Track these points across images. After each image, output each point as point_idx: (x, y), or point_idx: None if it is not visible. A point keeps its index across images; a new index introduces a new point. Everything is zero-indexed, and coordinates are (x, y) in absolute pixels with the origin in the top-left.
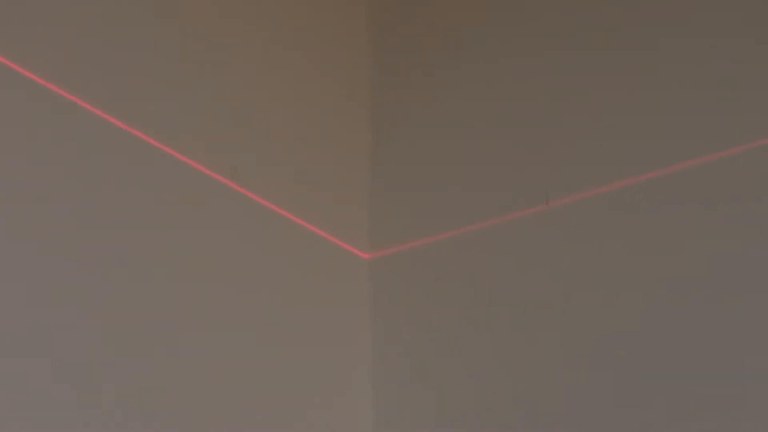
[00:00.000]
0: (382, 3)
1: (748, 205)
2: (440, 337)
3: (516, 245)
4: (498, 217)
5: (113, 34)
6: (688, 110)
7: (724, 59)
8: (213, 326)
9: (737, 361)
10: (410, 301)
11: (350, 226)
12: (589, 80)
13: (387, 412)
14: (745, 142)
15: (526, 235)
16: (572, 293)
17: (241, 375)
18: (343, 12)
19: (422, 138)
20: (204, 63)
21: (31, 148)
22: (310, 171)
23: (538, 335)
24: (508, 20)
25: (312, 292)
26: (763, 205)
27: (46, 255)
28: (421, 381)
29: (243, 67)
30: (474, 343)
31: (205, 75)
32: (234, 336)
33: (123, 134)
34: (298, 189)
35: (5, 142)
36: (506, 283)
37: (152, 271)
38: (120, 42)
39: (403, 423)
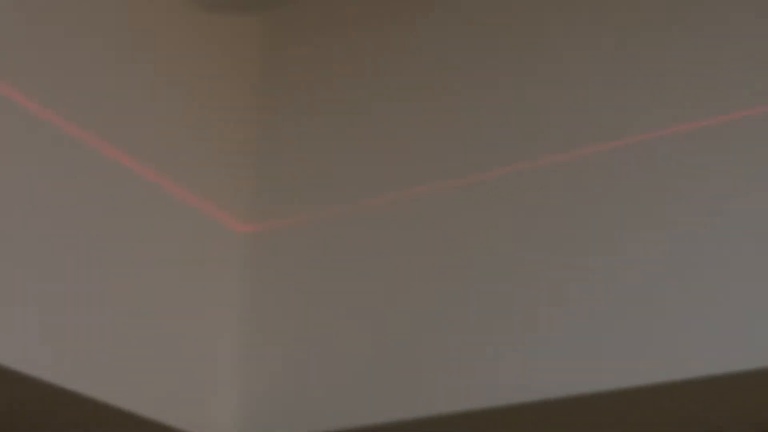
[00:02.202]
0: None
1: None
2: (314, 316)
3: (400, 223)
4: (385, 194)
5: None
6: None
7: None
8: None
9: None
10: (285, 277)
11: (230, 199)
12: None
13: (251, 397)
14: (639, 133)
15: (412, 213)
16: (449, 267)
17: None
18: None
19: (311, 107)
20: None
21: None
22: (190, 143)
23: (418, 314)
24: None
25: (184, 264)
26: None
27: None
28: (291, 365)
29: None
30: (346, 318)
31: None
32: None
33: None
34: (175, 156)
35: None
36: (389, 262)
37: (11, 237)
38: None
39: (267, 408)
